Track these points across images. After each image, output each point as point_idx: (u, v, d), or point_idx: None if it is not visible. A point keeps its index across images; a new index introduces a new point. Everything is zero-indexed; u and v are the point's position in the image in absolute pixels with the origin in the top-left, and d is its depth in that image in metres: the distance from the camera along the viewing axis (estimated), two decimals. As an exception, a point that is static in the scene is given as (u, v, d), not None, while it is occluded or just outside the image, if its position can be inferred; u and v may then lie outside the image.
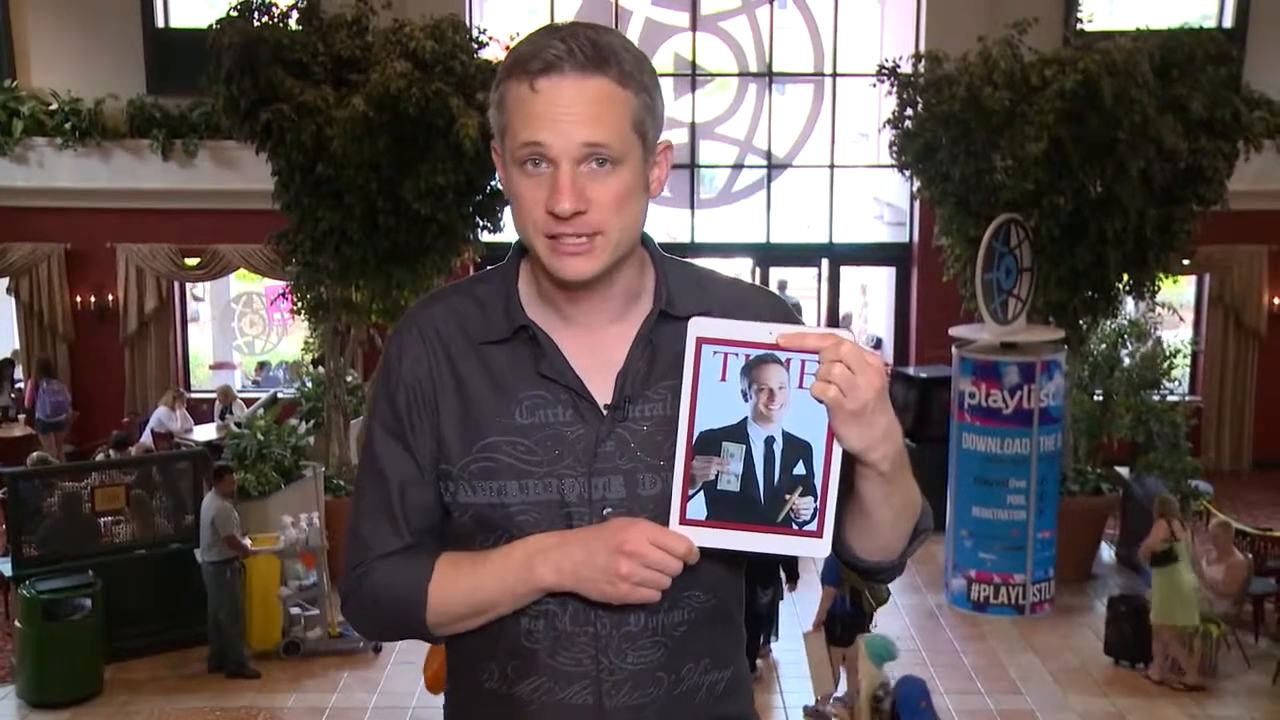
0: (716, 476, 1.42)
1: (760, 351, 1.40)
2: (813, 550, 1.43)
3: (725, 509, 1.43)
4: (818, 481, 1.41)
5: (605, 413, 1.53)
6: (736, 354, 1.40)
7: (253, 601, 8.09)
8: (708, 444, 1.41)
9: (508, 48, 9.64)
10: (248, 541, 8.01)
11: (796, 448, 1.41)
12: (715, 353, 1.40)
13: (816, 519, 1.43)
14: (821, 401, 1.37)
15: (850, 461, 1.42)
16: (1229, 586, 8.08)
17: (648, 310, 1.57)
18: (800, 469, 1.41)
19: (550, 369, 1.53)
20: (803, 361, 1.39)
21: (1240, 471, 12.79)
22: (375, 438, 1.60)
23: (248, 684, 7.82)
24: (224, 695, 7.62)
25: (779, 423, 1.41)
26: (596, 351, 1.55)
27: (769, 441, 1.41)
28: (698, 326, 1.39)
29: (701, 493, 1.42)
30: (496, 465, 1.53)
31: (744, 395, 1.40)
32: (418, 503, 1.58)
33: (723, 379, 1.40)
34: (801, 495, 1.42)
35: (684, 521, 1.43)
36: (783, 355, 1.39)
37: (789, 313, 1.63)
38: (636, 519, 1.47)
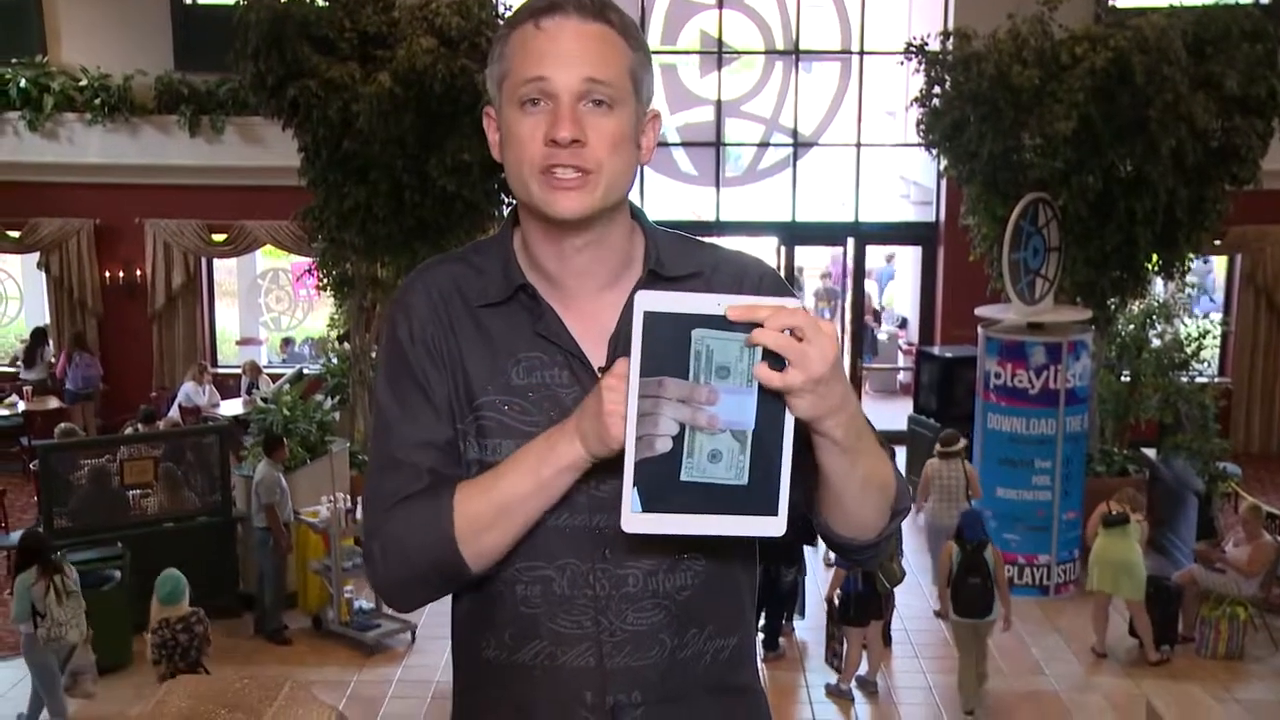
0: None
1: None
2: (768, 530, 1.33)
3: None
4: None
5: (599, 375, 1.49)
6: None
7: (303, 569, 8.40)
8: None
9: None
10: (289, 514, 8.21)
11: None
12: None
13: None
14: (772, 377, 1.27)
15: (809, 434, 1.36)
16: (1253, 567, 8.03)
17: (638, 276, 1.57)
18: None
19: (547, 329, 1.54)
20: None
21: (1270, 454, 12.66)
22: (386, 394, 1.58)
23: (276, 653, 7.92)
24: (251, 664, 7.70)
25: None
26: (589, 317, 1.56)
27: None
28: (644, 300, 1.30)
29: None
30: (492, 424, 1.54)
31: None
32: (436, 451, 1.55)
33: None
34: None
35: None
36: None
37: (781, 282, 1.63)
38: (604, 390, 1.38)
